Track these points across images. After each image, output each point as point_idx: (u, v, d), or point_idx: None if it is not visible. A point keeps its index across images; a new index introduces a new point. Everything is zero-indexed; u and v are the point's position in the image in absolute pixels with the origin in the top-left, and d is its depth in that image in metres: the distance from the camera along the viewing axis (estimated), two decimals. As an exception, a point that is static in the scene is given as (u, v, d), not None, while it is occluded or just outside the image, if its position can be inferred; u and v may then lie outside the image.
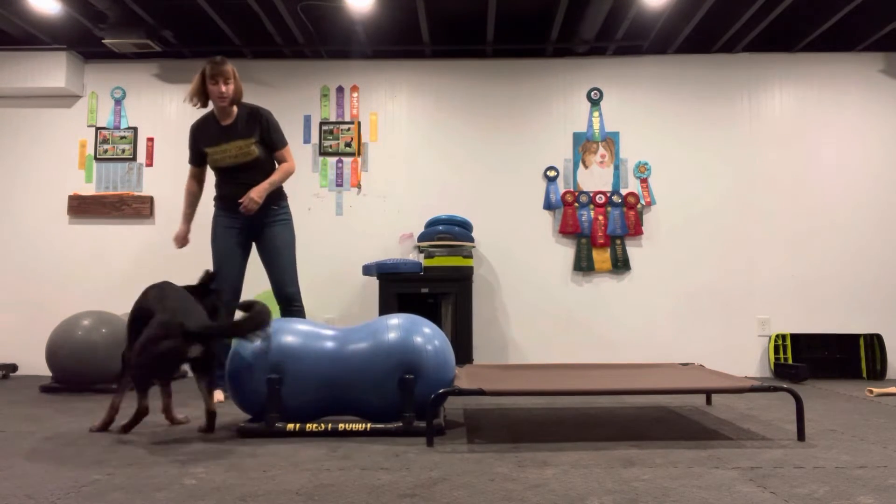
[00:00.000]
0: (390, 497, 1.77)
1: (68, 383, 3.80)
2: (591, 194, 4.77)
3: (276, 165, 3.39)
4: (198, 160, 3.41)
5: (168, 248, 4.81)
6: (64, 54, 4.70)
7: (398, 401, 2.55)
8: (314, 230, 4.79)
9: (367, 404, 2.58)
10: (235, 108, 3.32)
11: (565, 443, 2.42)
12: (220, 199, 3.39)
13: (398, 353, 2.55)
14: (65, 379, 3.79)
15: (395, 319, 2.68)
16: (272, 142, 3.34)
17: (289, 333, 2.61)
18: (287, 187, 5.22)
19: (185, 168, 4.79)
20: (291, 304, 3.39)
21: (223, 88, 3.19)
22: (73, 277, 4.78)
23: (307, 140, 4.86)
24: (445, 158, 4.84)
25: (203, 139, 3.32)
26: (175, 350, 2.39)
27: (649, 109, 4.84)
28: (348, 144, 4.84)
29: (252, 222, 3.36)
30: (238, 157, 3.27)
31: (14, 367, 4.60)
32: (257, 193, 3.22)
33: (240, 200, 3.24)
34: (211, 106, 3.35)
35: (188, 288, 2.81)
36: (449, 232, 4.22)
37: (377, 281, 4.23)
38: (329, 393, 2.56)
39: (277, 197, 3.41)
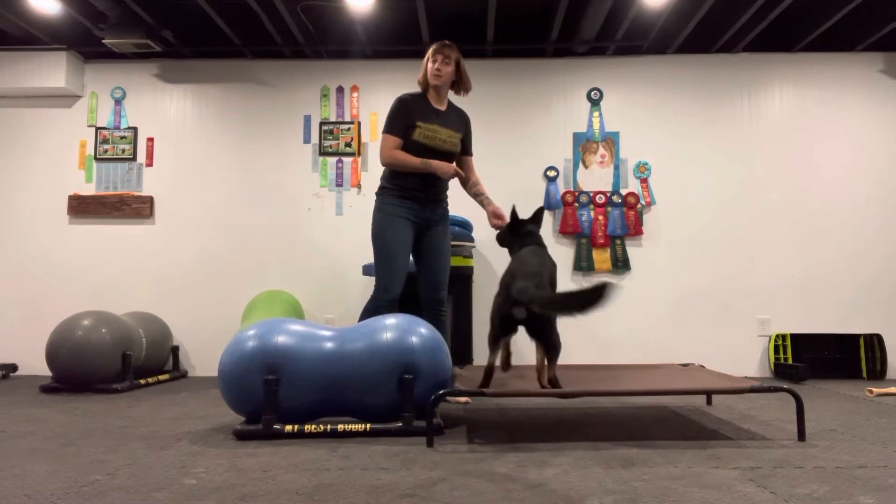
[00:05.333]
0: (390, 497, 1.77)
1: (68, 383, 3.79)
2: (591, 194, 4.77)
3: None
4: (403, 131, 3.20)
5: (168, 249, 4.81)
6: (64, 54, 4.69)
7: (394, 401, 2.54)
8: (314, 230, 4.79)
9: (363, 405, 2.57)
10: (447, 100, 3.36)
11: (565, 443, 2.42)
12: (400, 188, 3.20)
13: (395, 353, 2.54)
14: (65, 379, 3.79)
15: (392, 319, 2.66)
16: (467, 147, 3.42)
17: (285, 334, 2.57)
18: (286, 188, 5.19)
19: (185, 168, 4.85)
20: (441, 308, 3.28)
21: (439, 66, 3.24)
22: (73, 277, 4.78)
23: (307, 140, 4.85)
24: (445, 158, 4.83)
25: (418, 112, 3.22)
26: (500, 309, 2.61)
27: (649, 109, 4.84)
28: (348, 144, 4.84)
29: (423, 216, 3.23)
30: (446, 144, 3.24)
31: (14, 367, 4.60)
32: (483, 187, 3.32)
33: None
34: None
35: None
36: (449, 232, 4.21)
37: (377, 281, 4.22)
38: (326, 394, 2.55)
39: (445, 196, 3.36)
